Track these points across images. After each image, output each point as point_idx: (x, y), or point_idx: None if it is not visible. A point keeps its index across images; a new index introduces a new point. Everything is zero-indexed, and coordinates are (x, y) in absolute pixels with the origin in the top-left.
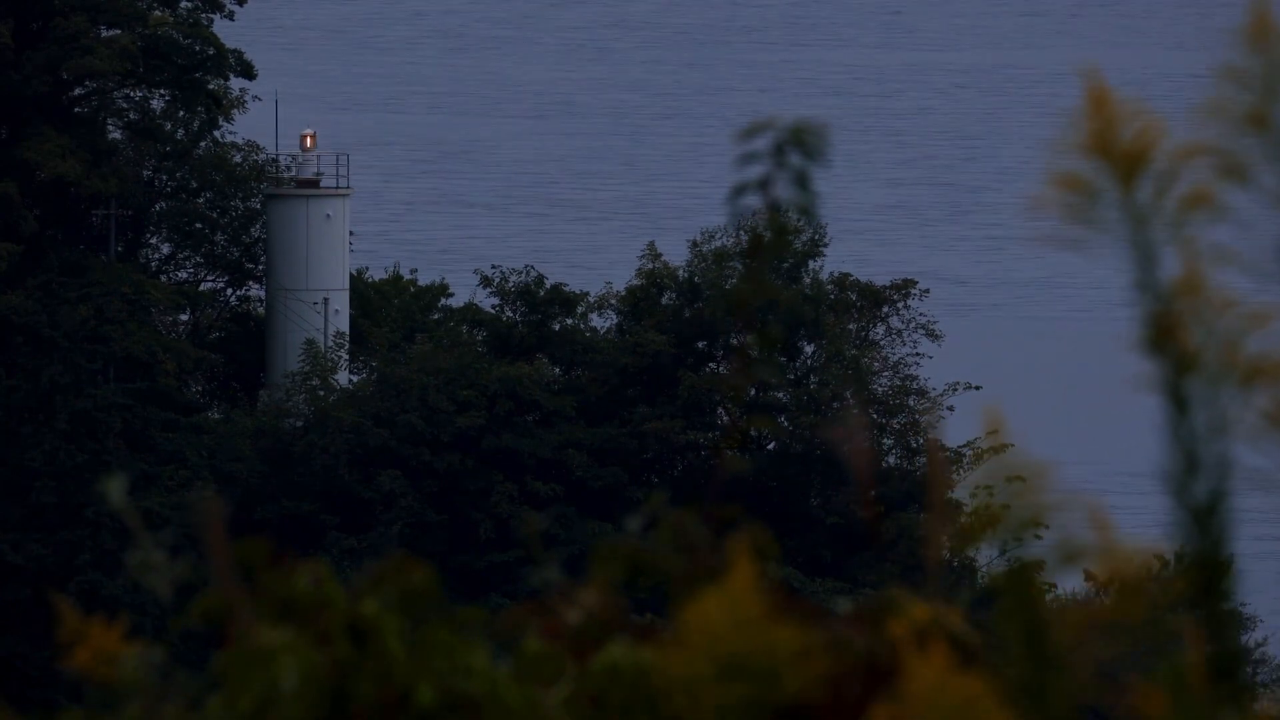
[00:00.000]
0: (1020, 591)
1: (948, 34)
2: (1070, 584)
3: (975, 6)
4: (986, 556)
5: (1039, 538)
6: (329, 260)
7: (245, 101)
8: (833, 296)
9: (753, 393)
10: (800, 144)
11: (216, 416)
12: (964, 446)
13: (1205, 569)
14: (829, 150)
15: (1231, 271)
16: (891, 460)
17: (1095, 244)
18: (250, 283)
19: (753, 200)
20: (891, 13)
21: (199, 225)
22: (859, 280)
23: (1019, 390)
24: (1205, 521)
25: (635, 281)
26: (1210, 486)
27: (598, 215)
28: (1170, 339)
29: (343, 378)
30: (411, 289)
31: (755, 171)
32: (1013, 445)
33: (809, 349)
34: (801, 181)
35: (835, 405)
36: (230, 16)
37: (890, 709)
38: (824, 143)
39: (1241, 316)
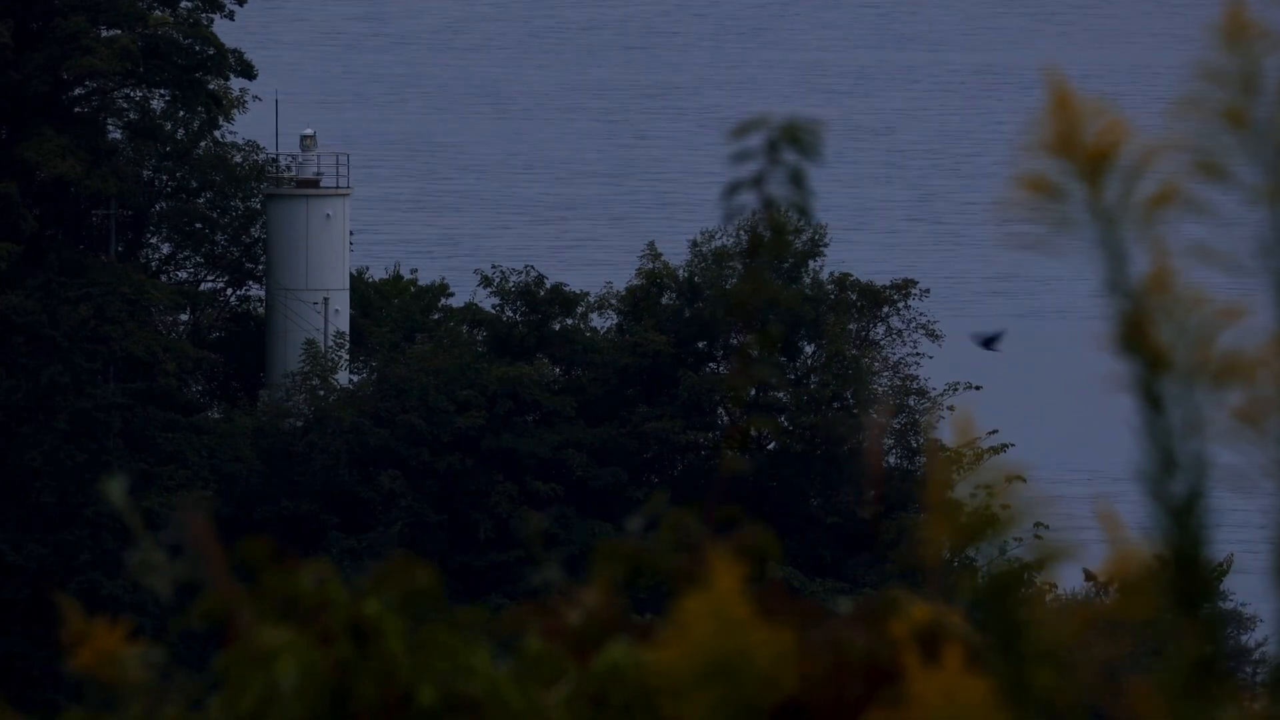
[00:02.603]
0: (1003, 593)
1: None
2: (1071, 583)
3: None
4: (985, 556)
5: (1020, 540)
6: (329, 260)
7: (245, 101)
8: (833, 296)
9: (753, 393)
10: (795, 141)
11: (216, 416)
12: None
13: (1186, 568)
14: (823, 147)
15: (1210, 269)
16: (892, 460)
17: (1064, 244)
18: (250, 283)
19: (747, 198)
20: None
21: (199, 225)
22: (859, 280)
23: (1019, 390)
24: (1184, 520)
25: (635, 281)
26: (1188, 485)
27: (598, 215)
28: (1142, 338)
29: (343, 378)
30: (411, 289)
31: (749, 169)
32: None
33: (809, 349)
34: (797, 179)
35: (835, 405)
36: (230, 16)
37: (892, 710)
38: (819, 140)
39: (1212, 313)
